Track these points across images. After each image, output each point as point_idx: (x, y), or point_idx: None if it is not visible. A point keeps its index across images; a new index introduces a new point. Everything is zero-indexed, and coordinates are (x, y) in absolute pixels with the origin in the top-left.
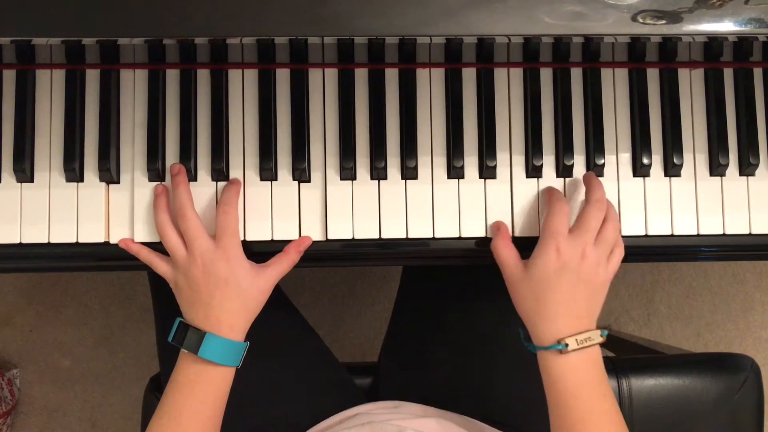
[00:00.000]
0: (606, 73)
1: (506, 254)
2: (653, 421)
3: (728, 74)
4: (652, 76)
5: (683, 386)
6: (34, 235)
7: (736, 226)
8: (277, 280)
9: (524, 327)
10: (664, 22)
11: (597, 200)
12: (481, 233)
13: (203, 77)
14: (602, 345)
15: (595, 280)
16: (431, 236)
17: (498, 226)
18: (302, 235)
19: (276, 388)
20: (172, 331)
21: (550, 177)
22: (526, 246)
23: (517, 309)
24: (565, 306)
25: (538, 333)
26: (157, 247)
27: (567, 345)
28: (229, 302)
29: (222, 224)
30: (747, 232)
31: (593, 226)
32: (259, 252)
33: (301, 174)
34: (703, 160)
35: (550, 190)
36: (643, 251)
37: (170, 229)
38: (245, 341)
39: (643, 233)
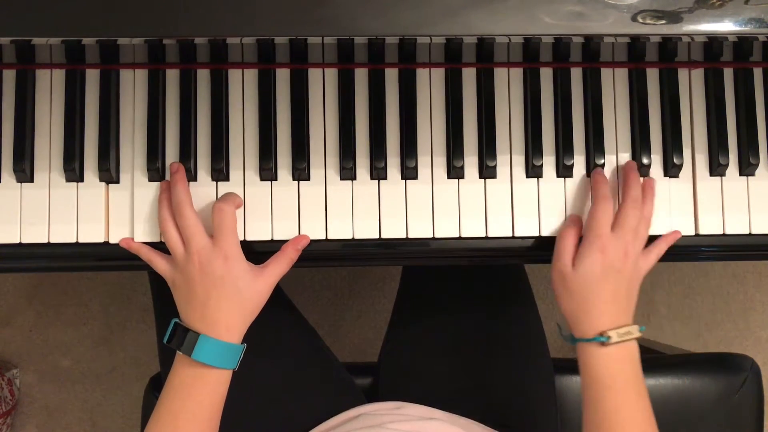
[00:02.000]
0: (606, 73)
1: (567, 244)
2: None
3: (728, 74)
4: (652, 76)
5: (683, 386)
6: (34, 235)
7: (736, 226)
8: (276, 281)
9: (562, 320)
10: (664, 22)
11: (635, 199)
12: (481, 233)
13: (203, 77)
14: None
15: (636, 276)
16: (431, 236)
17: (575, 219)
18: (302, 234)
19: (276, 388)
20: (167, 333)
21: (550, 177)
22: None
23: (559, 303)
24: (609, 304)
25: (580, 326)
26: (158, 247)
27: (609, 338)
28: (226, 302)
29: (218, 222)
30: (747, 232)
31: (633, 225)
32: (262, 252)
33: (301, 174)
34: (703, 160)
35: (597, 180)
36: None
37: (171, 225)
38: (242, 343)
39: None
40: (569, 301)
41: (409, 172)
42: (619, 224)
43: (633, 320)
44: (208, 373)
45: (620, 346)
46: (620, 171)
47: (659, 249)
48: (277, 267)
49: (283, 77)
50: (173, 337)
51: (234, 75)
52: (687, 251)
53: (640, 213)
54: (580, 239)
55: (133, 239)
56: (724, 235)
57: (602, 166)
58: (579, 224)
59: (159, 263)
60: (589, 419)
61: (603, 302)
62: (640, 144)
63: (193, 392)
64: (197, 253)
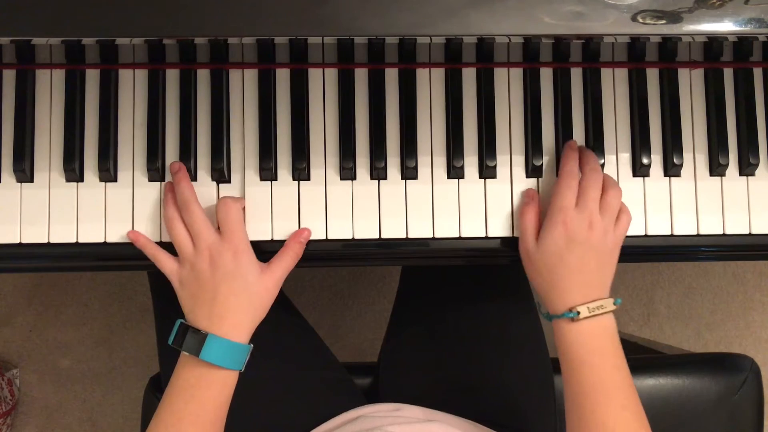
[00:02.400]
0: (606, 73)
1: (527, 221)
2: (653, 421)
3: (728, 74)
4: (652, 76)
5: (683, 386)
6: (34, 235)
7: (736, 226)
8: (284, 277)
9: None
10: (664, 22)
11: (591, 169)
12: (481, 233)
13: (203, 77)
14: None
15: (604, 248)
16: (431, 236)
17: (532, 195)
18: (303, 228)
19: (275, 388)
20: (172, 334)
21: (550, 177)
22: None
23: (530, 281)
24: (577, 277)
25: (551, 303)
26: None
27: (579, 312)
28: (235, 297)
29: (224, 216)
30: (747, 232)
31: (593, 195)
32: (271, 251)
33: (301, 174)
34: (703, 160)
35: (566, 155)
36: (643, 251)
37: (178, 223)
38: (249, 344)
39: (643, 233)
40: (538, 278)
41: (409, 172)
42: (582, 196)
43: (611, 294)
44: (213, 374)
45: (593, 321)
46: (579, 151)
47: (626, 215)
48: (283, 262)
49: (283, 77)
50: (178, 337)
51: (234, 75)
52: (687, 251)
53: (599, 181)
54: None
55: (141, 233)
56: (724, 235)
57: (602, 166)
58: (536, 199)
59: (164, 261)
60: (569, 396)
61: (570, 276)
62: (640, 144)
63: (197, 394)
64: (207, 248)
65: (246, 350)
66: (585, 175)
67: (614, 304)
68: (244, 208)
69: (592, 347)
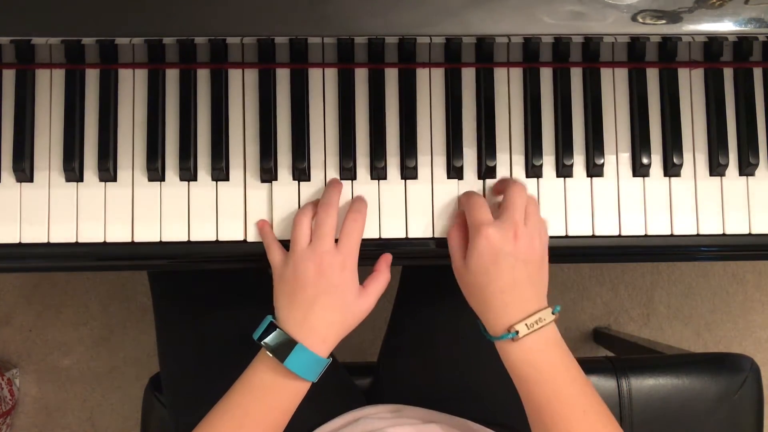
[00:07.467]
0: (606, 73)
1: (452, 239)
2: (653, 421)
3: (728, 74)
4: (652, 76)
5: (683, 386)
6: (34, 234)
7: (736, 226)
8: (376, 301)
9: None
10: (663, 21)
11: (514, 182)
12: None
13: (203, 77)
14: (601, 344)
15: (533, 257)
16: (431, 236)
17: (458, 214)
18: (388, 253)
19: None
20: (259, 329)
21: (549, 177)
22: None
23: (467, 301)
24: (510, 293)
25: (489, 324)
26: (143, 248)
27: (518, 332)
28: (331, 312)
29: (350, 230)
30: (747, 232)
31: (519, 204)
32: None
33: (301, 174)
34: (702, 160)
35: (464, 194)
36: (642, 251)
37: (308, 219)
38: (328, 358)
39: (643, 233)
40: (471, 299)
41: (409, 172)
42: (505, 206)
43: (556, 303)
44: (290, 382)
45: (534, 336)
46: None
47: (543, 222)
48: (378, 286)
49: (283, 77)
50: (264, 335)
51: (234, 75)
52: (687, 251)
53: (525, 193)
54: None
55: (267, 221)
56: (724, 235)
57: (602, 165)
58: (461, 217)
59: (274, 252)
60: (529, 413)
61: (501, 293)
62: (639, 144)
63: (269, 395)
64: (322, 254)
65: (325, 364)
66: (510, 188)
67: (553, 313)
68: (245, 206)
69: (539, 362)
